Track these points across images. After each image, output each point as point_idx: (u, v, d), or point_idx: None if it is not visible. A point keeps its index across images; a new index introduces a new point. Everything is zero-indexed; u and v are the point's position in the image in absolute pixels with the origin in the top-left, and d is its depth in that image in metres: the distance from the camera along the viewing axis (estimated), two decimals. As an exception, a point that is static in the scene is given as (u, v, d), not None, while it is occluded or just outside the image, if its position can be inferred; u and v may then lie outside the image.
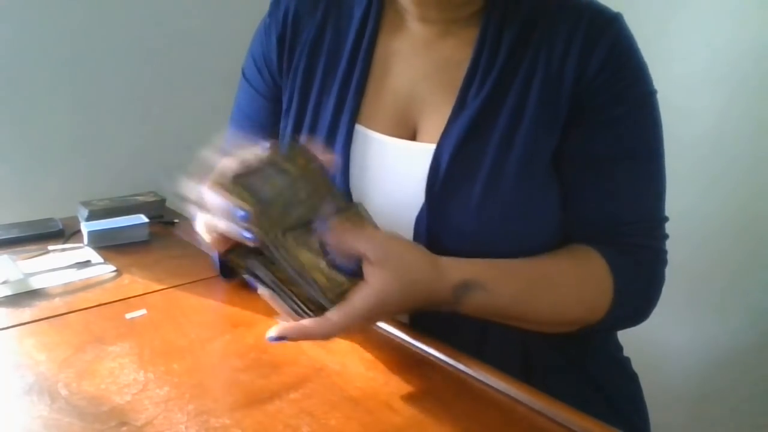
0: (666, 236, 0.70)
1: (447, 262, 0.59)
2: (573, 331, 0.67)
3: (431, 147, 0.66)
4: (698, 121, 1.20)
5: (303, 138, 0.72)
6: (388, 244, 0.56)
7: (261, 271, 0.55)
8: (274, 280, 0.55)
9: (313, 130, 0.72)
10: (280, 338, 0.53)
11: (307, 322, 0.53)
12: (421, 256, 0.57)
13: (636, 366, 0.78)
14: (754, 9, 1.13)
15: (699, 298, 1.26)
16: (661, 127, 0.68)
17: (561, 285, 0.64)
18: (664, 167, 0.69)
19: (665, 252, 0.70)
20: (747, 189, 1.18)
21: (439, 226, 0.65)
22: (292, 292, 0.55)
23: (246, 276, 0.57)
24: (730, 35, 1.15)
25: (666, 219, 0.70)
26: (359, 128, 0.70)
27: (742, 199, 1.18)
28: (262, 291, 0.57)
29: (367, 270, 0.54)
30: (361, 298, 0.53)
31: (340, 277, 0.55)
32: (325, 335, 0.53)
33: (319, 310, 0.54)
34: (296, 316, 0.55)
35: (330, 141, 0.70)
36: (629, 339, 0.77)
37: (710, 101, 1.19)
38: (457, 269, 0.59)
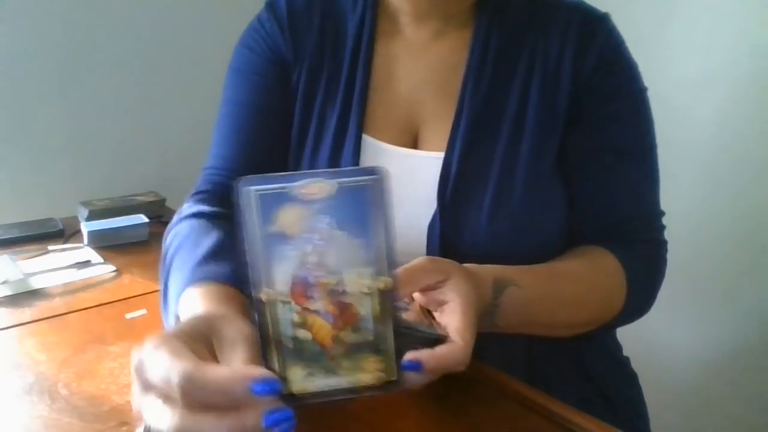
0: (664, 227, 0.71)
1: (474, 266, 0.56)
2: (590, 331, 0.66)
3: (440, 155, 0.66)
4: (699, 123, 1.20)
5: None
6: (435, 260, 0.52)
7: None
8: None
9: (318, 140, 0.71)
10: (414, 365, 0.42)
11: (441, 349, 0.44)
12: (457, 264, 0.54)
13: (636, 366, 0.78)
14: (753, 10, 1.13)
15: (700, 299, 1.26)
16: (653, 122, 0.69)
17: (582, 279, 0.64)
18: (657, 161, 0.69)
19: (666, 243, 0.71)
20: (748, 191, 1.17)
21: (452, 231, 0.65)
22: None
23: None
24: (730, 37, 1.15)
25: (663, 213, 0.71)
26: (367, 139, 0.69)
27: (743, 202, 1.18)
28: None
29: (443, 291, 0.50)
30: (462, 310, 0.48)
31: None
32: (467, 357, 0.45)
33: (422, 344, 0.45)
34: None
35: (337, 152, 0.69)
36: (629, 339, 0.77)
37: (712, 103, 1.19)
38: (485, 271, 0.57)
